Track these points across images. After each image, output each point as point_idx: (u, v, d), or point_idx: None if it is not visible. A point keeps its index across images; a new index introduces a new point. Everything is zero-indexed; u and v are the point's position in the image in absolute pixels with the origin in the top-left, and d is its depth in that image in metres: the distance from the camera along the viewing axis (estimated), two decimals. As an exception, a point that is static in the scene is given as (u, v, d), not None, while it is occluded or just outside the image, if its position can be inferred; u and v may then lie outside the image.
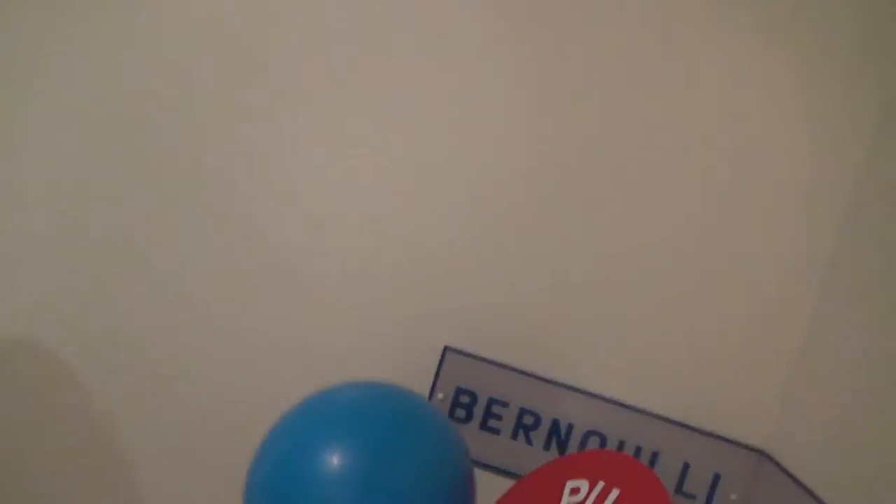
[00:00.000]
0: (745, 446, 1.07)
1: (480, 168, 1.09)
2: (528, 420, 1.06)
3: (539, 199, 1.08)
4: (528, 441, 1.06)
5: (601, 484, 0.80)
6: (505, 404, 1.06)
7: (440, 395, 1.05)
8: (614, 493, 0.78)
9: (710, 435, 1.07)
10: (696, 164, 1.08)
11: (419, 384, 1.05)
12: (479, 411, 1.06)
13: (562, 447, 1.06)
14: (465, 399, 1.06)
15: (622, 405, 1.07)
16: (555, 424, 1.06)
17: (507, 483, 1.05)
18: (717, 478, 1.06)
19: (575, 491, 0.83)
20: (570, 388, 1.07)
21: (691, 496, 1.05)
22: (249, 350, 1.10)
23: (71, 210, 1.09)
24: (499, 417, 1.06)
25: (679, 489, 1.05)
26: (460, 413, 1.06)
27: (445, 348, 1.06)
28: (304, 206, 1.09)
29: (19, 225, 1.10)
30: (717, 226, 1.08)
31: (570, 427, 1.06)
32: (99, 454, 1.13)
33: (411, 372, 1.06)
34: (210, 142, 1.09)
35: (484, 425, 1.05)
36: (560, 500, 0.83)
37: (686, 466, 1.06)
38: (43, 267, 1.10)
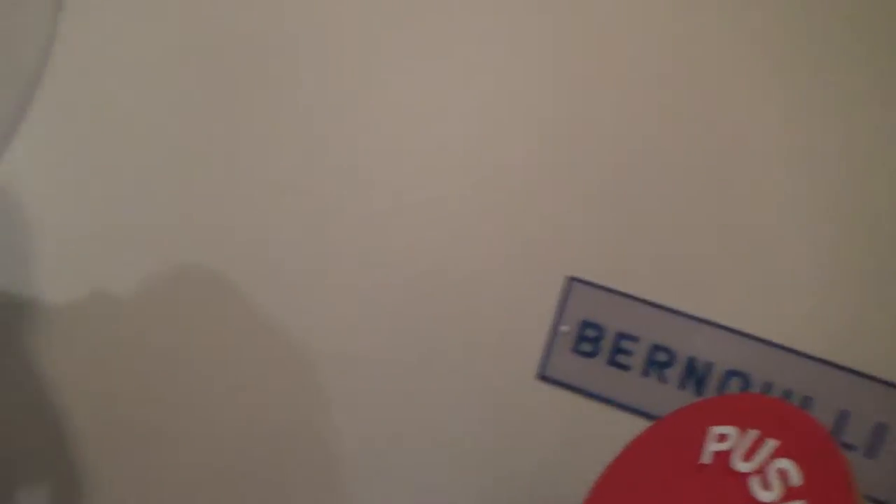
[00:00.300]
0: (916, 392, 0.93)
1: (607, 84, 0.97)
2: (661, 357, 0.97)
3: (666, 116, 0.96)
4: (662, 379, 0.97)
5: (754, 433, 0.71)
6: (636, 339, 0.97)
7: (564, 328, 0.98)
8: (770, 444, 0.69)
9: (873, 378, 0.93)
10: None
11: (541, 316, 0.99)
12: (606, 346, 0.98)
13: (699, 388, 0.96)
14: (591, 333, 0.98)
15: (769, 343, 0.95)
16: (691, 363, 0.96)
17: (636, 421, 0.98)
18: (881, 428, 0.93)
19: (721, 438, 0.74)
20: (709, 322, 0.96)
21: (851, 447, 0.93)
22: (362, 270, 1.08)
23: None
24: (629, 353, 0.97)
25: (836, 440, 0.94)
26: (586, 347, 0.98)
27: (571, 278, 0.98)
28: (420, 128, 1.03)
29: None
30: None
31: (710, 366, 0.96)
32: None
33: (534, 302, 0.99)
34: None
35: (612, 361, 0.98)
36: (703, 446, 0.75)
37: (844, 414, 0.94)
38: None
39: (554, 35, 0.97)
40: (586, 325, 0.98)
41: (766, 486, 0.66)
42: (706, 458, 0.74)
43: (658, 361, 0.97)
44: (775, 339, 0.95)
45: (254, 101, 1.08)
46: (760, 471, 0.68)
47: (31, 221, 1.21)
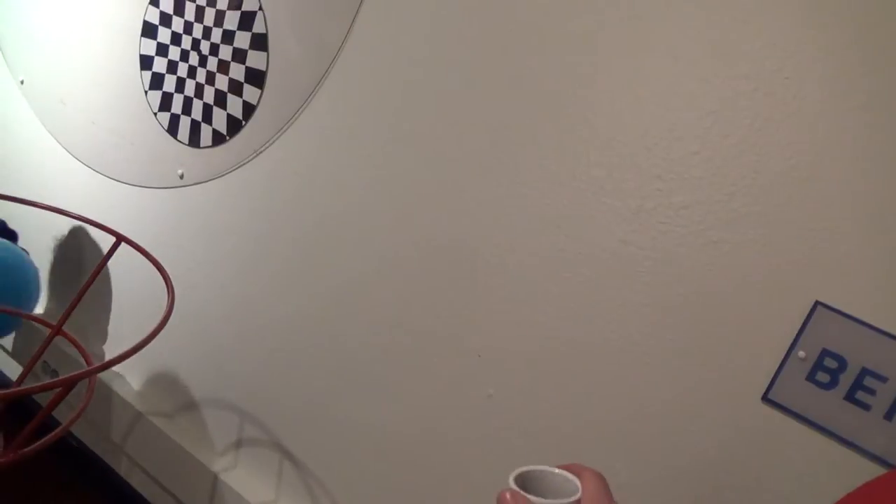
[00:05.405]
0: None
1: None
2: (911, 403, 0.88)
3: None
4: (907, 427, 0.89)
5: None
6: (883, 379, 0.89)
7: (801, 354, 0.93)
8: None
9: None
10: None
11: (779, 338, 0.95)
12: (846, 380, 0.91)
13: (949, 445, 0.87)
14: (831, 364, 0.92)
15: None
16: (946, 417, 0.87)
17: (863, 464, 0.92)
18: None
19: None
20: (978, 378, 0.86)
21: None
22: (599, 268, 1.11)
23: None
24: (871, 392, 0.90)
25: None
26: (823, 378, 0.92)
27: (817, 303, 0.92)
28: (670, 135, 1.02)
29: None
30: None
31: (969, 425, 0.86)
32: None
33: (773, 323, 0.95)
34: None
35: (850, 397, 0.91)
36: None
37: None
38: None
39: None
40: (826, 354, 0.92)
41: None
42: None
43: (906, 407, 0.89)
44: None
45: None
46: None
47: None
